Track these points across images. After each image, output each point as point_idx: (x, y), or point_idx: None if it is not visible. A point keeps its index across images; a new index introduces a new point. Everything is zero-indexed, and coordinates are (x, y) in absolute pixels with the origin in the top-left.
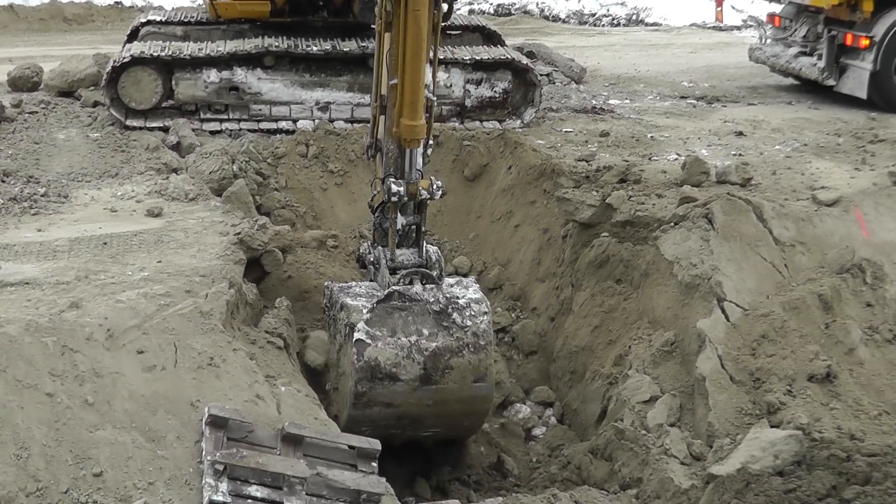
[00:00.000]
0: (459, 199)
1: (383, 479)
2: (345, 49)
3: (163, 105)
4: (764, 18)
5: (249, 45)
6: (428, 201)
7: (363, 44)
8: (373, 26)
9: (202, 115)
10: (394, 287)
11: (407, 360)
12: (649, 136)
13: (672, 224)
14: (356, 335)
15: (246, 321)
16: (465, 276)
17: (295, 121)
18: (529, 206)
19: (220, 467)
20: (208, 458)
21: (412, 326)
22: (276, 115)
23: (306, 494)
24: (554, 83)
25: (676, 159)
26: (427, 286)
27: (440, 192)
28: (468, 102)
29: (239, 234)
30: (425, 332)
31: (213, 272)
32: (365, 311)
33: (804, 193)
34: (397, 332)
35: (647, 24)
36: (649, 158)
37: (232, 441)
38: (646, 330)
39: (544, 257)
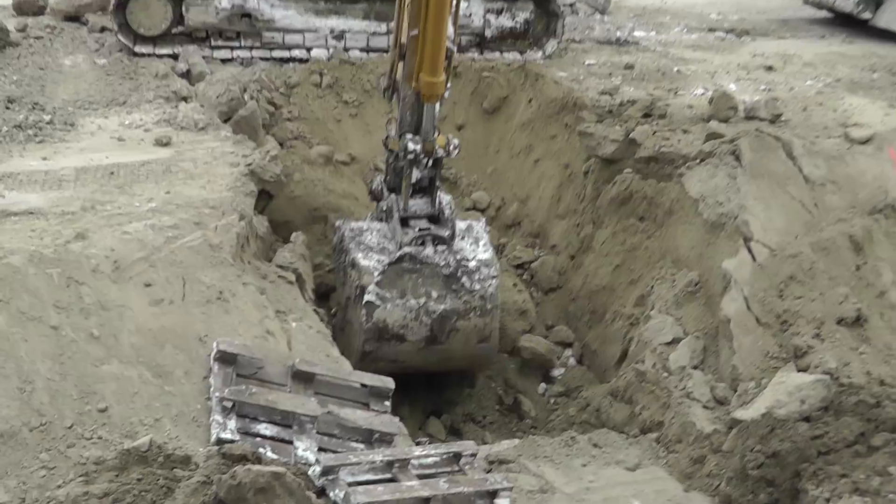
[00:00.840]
0: (478, 133)
1: (396, 419)
2: None
3: (172, 31)
4: None
5: None
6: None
7: None
8: None
9: (213, 43)
10: (406, 249)
11: (414, 322)
12: (675, 69)
13: (698, 161)
14: (367, 297)
15: (257, 255)
16: (483, 211)
17: (309, 49)
18: (550, 141)
19: (229, 404)
20: (216, 394)
21: (422, 289)
22: (290, 43)
23: (317, 433)
24: (577, 14)
25: (703, 94)
26: (438, 248)
27: (456, 151)
28: (488, 33)
29: (250, 164)
30: (434, 294)
31: (223, 204)
32: (376, 273)
33: (836, 131)
34: (407, 294)
35: None
36: (675, 93)
37: (241, 378)
38: (669, 269)
39: (565, 194)
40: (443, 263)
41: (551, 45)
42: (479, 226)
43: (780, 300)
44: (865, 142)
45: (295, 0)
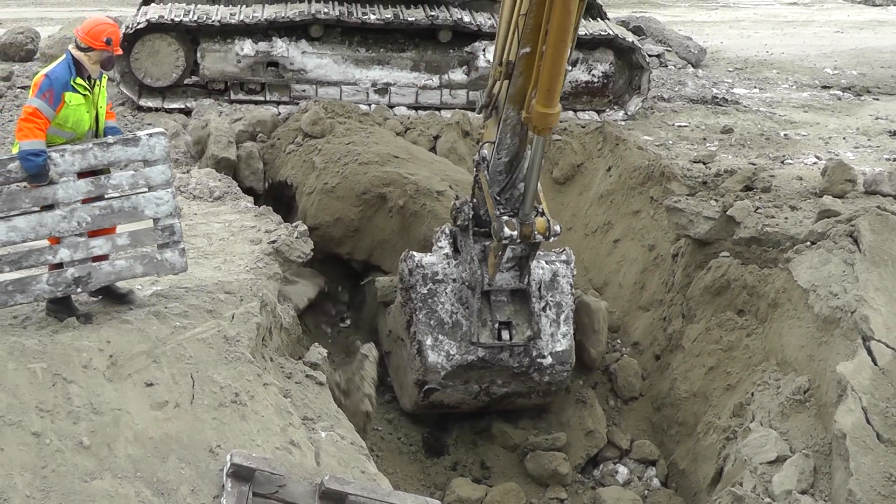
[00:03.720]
0: (547, 207)
1: None
2: (409, 19)
3: (185, 82)
4: None
5: (293, 10)
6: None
7: (432, 13)
8: None
9: (232, 96)
10: (480, 353)
11: (472, 400)
12: (782, 133)
13: (808, 243)
14: (428, 386)
15: (280, 350)
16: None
17: None
18: (632, 217)
19: None
20: None
21: (487, 378)
22: (324, 97)
23: None
24: (666, 66)
25: (815, 163)
26: (516, 350)
27: (554, 238)
28: None
29: (274, 242)
30: (499, 381)
31: (242, 288)
32: (443, 372)
33: None
34: (470, 382)
35: None
36: (782, 162)
37: (259, 497)
38: (773, 374)
39: (649, 280)
40: (516, 365)
41: (635, 104)
42: (565, 275)
43: None
44: None
45: (330, 47)
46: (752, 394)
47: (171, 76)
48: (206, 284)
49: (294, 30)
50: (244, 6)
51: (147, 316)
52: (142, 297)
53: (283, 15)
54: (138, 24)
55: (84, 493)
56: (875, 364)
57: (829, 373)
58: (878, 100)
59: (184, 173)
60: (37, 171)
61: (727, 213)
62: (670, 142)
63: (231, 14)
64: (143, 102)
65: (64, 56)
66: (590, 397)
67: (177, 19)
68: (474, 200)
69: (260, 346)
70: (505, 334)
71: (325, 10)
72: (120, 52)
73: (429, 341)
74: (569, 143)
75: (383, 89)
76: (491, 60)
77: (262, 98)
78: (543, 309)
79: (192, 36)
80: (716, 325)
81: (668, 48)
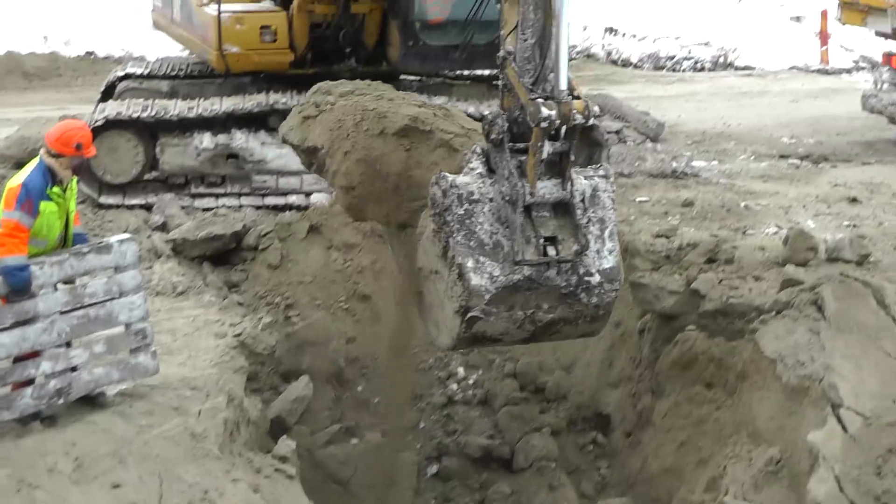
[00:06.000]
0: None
1: None
2: None
3: (145, 178)
4: (879, 59)
5: (251, 102)
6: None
7: None
8: (411, 78)
9: (193, 190)
10: (525, 272)
11: (517, 330)
12: (743, 204)
13: (773, 313)
14: (472, 313)
15: (248, 444)
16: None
17: (308, 194)
18: None
19: None
20: None
21: (533, 302)
22: (285, 187)
23: None
24: (625, 142)
25: (777, 233)
26: (563, 267)
27: (593, 120)
28: None
29: (239, 335)
30: (545, 306)
31: (208, 384)
32: (487, 295)
33: None
34: (515, 308)
35: (737, 68)
36: (743, 232)
37: None
38: (744, 446)
39: (617, 357)
40: (563, 284)
41: None
42: (605, 189)
43: (878, 479)
44: None
45: None
46: (725, 467)
47: (131, 172)
48: (171, 381)
49: (253, 121)
50: (202, 99)
51: (112, 416)
52: (105, 396)
53: (241, 107)
54: (96, 121)
55: None
56: (845, 431)
57: (800, 443)
58: (835, 167)
59: (146, 269)
60: (22, 286)
61: (691, 286)
62: (632, 217)
63: (189, 108)
64: (103, 200)
65: (37, 162)
66: (563, 483)
67: (135, 115)
68: (506, 111)
69: (228, 442)
70: (551, 250)
71: (284, 100)
72: (93, 152)
73: (470, 263)
74: None
75: None
76: None
77: (222, 191)
78: (586, 225)
79: (150, 131)
80: (685, 400)
81: (627, 124)
